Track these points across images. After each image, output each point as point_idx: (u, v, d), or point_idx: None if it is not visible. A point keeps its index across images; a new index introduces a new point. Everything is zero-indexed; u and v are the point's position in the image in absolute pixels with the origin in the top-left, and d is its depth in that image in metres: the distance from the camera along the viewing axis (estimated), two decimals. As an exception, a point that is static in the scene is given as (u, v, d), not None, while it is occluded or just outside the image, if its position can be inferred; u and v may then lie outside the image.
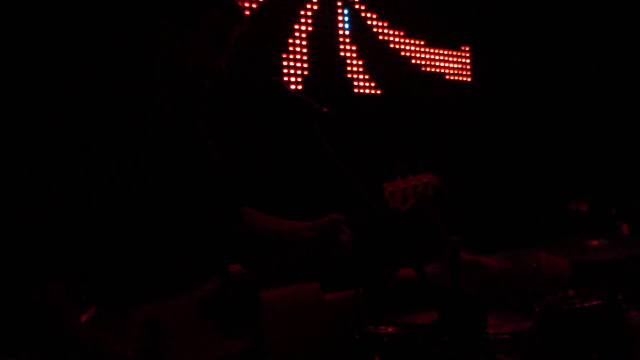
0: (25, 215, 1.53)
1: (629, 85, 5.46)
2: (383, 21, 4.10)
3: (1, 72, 2.55)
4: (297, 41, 3.66)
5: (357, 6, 3.97)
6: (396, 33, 4.17)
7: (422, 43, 4.31)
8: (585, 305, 2.73)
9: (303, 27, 3.68)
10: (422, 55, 4.33)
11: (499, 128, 4.81)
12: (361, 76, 3.94)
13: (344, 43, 3.88)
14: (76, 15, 2.78)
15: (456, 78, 4.54)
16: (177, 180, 1.65)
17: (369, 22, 4.03)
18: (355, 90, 3.93)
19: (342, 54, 3.87)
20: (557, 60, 5.26)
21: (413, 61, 4.28)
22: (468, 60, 4.60)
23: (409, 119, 4.23)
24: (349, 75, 3.90)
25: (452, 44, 4.51)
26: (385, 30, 4.12)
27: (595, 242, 2.99)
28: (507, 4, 4.91)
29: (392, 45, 4.15)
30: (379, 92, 4.02)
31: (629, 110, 5.17)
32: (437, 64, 4.41)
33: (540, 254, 3.87)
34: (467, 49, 4.60)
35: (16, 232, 1.51)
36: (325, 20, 3.77)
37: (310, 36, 3.71)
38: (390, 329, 2.48)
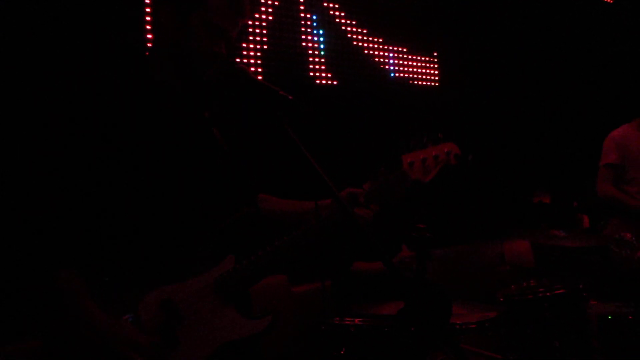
0: (38, 200, 1.50)
1: (589, 87, 5.62)
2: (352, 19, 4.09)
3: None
4: (257, 30, 3.56)
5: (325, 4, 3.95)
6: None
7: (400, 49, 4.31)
8: (548, 294, 2.78)
9: (264, 16, 3.59)
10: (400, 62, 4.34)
11: (467, 126, 4.87)
12: (323, 67, 3.89)
13: (306, 33, 3.83)
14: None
15: (423, 83, 4.55)
16: (184, 164, 1.62)
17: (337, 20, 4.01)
18: (317, 81, 3.88)
19: (303, 44, 3.82)
20: (524, 62, 5.35)
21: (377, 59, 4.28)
22: (436, 65, 4.63)
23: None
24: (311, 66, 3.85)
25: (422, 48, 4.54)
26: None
27: (556, 232, 3.05)
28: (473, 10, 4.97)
29: (358, 45, 4.12)
30: (335, 82, 3.97)
31: (590, 109, 5.31)
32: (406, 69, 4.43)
33: (504, 245, 3.94)
34: (435, 54, 4.63)
35: (30, 217, 1.49)
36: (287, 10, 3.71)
37: (270, 25, 3.63)
38: (356, 320, 2.47)
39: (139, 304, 1.49)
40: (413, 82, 4.47)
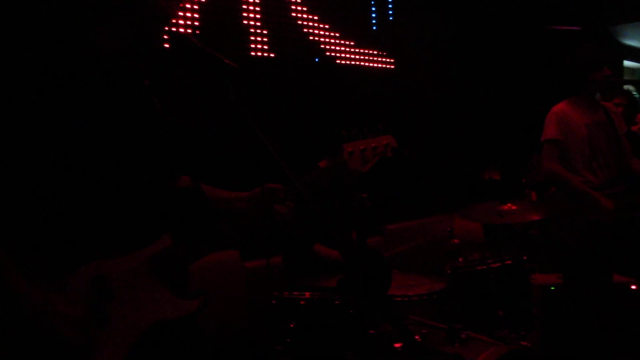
0: None
1: (533, 65, 5.77)
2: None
3: None
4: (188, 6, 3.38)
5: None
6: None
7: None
8: (494, 266, 2.87)
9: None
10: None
11: (422, 106, 4.92)
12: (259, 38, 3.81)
13: (248, 11, 3.74)
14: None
15: (379, 65, 4.55)
16: (119, 135, 1.53)
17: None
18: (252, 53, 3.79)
19: (245, 22, 3.73)
20: (471, 44, 5.43)
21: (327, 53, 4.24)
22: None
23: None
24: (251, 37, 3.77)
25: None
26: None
27: (505, 207, 3.13)
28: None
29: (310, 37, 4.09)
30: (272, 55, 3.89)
31: (535, 88, 5.44)
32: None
33: (454, 219, 4.03)
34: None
35: None
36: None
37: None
38: (307, 294, 2.49)
39: (69, 279, 1.43)
40: (360, 64, 4.46)
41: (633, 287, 3.33)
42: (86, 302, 1.43)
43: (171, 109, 1.71)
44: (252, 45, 3.81)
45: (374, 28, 4.58)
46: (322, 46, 4.19)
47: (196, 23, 3.43)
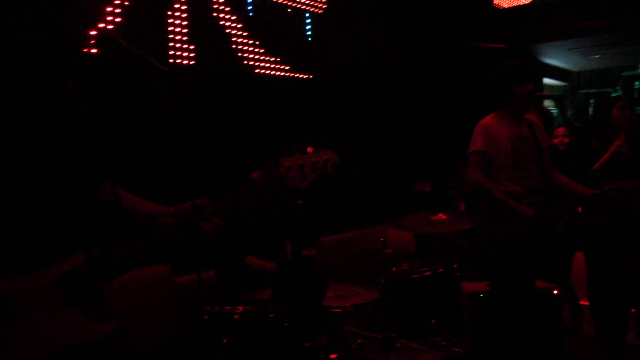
0: None
1: (464, 79, 6.00)
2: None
3: None
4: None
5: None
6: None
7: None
8: (425, 274, 2.92)
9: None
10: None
11: (353, 120, 4.97)
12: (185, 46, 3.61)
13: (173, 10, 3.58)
14: None
15: (297, 75, 4.54)
16: (32, 140, 1.42)
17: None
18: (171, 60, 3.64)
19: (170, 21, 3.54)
20: (400, 58, 5.57)
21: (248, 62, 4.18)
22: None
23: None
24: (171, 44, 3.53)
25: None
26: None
27: (435, 217, 3.20)
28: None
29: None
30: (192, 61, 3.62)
31: (465, 103, 5.66)
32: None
33: (387, 230, 4.09)
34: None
35: None
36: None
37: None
38: (240, 308, 2.42)
39: None
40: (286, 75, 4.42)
41: (554, 291, 3.49)
42: None
43: (95, 113, 1.62)
44: (177, 53, 3.67)
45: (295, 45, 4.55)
46: (251, 60, 4.14)
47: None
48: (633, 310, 4.08)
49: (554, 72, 9.92)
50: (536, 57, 8.62)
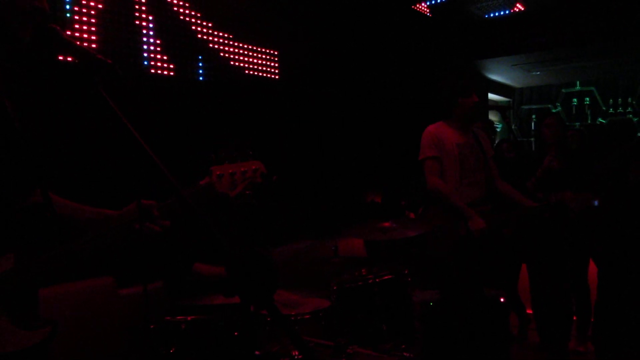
0: None
1: (413, 93, 6.13)
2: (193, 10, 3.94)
3: None
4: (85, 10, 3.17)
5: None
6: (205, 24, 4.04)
7: (230, 37, 4.24)
8: (377, 280, 2.92)
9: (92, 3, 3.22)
10: (231, 50, 4.26)
11: (305, 130, 4.97)
12: (158, 56, 3.69)
13: (141, 19, 3.59)
14: None
15: (265, 75, 4.55)
16: None
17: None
18: (152, 70, 3.65)
19: (143, 30, 3.59)
20: (356, 76, 5.64)
21: (221, 54, 4.18)
22: (276, 60, 4.65)
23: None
24: (146, 55, 3.61)
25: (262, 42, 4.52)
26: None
27: (386, 224, 3.21)
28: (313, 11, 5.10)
29: (199, 36, 4.01)
30: (172, 73, 3.77)
31: (411, 117, 5.77)
32: (246, 59, 4.38)
33: (339, 239, 4.08)
34: (276, 52, 4.66)
35: None
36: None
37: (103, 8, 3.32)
38: (188, 317, 2.34)
39: None
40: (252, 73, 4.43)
41: (502, 299, 3.56)
42: None
43: (27, 113, 1.53)
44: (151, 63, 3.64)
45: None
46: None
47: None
48: (575, 317, 4.21)
49: (499, 88, 10.29)
50: (481, 72, 8.92)
